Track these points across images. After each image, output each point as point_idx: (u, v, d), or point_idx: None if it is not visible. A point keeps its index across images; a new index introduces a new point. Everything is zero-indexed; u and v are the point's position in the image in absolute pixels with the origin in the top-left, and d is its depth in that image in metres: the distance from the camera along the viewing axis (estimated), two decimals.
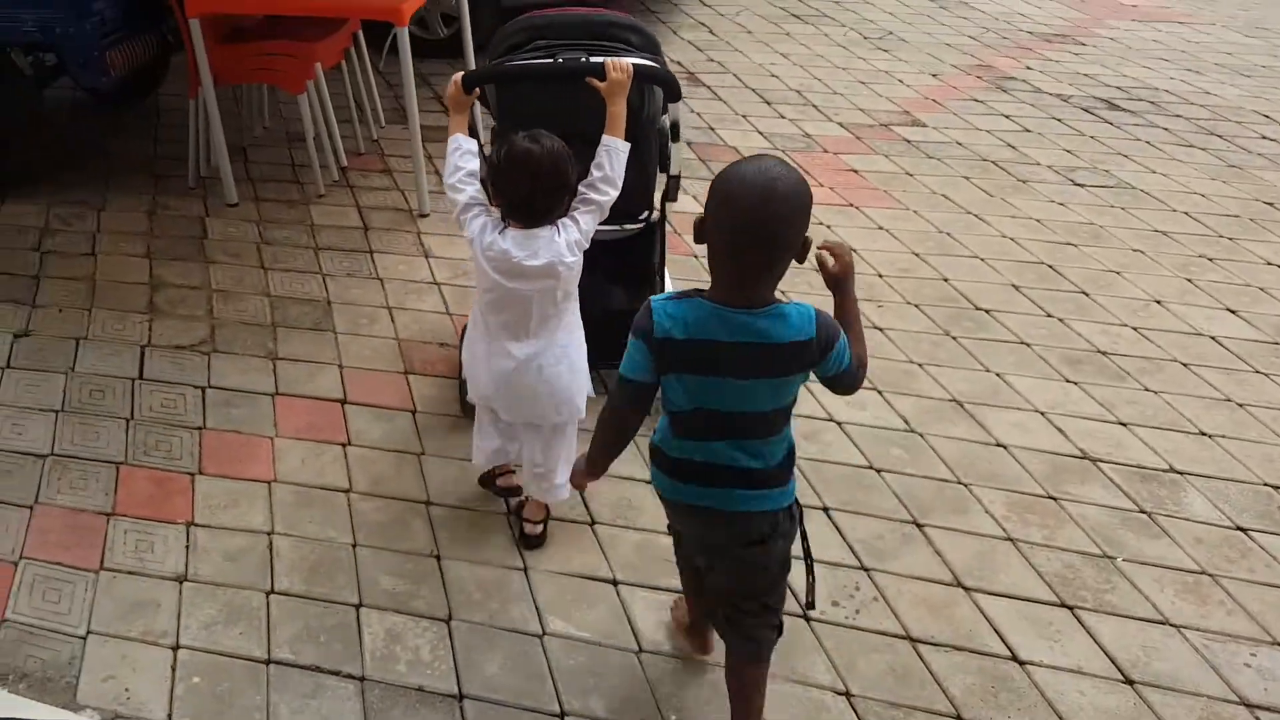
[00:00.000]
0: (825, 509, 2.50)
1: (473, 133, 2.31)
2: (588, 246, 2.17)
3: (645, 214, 2.80)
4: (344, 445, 2.77)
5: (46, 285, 3.57)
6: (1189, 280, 3.49)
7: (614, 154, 2.18)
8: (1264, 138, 4.53)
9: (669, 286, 2.92)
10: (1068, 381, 2.99)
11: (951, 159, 4.37)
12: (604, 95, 2.22)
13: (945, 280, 3.51)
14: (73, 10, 3.54)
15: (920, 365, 3.07)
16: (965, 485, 2.57)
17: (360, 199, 4.12)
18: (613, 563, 2.37)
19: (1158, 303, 3.37)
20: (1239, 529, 2.44)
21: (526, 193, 2.09)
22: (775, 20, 6.02)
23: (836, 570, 2.33)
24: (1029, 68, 5.30)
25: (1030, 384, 2.98)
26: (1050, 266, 3.59)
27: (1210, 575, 2.31)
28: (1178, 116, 4.73)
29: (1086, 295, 3.43)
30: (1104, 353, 3.13)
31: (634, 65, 2.26)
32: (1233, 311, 3.32)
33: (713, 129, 4.68)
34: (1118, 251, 3.68)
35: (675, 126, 2.66)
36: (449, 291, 3.48)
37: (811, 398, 2.88)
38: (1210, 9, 6.10)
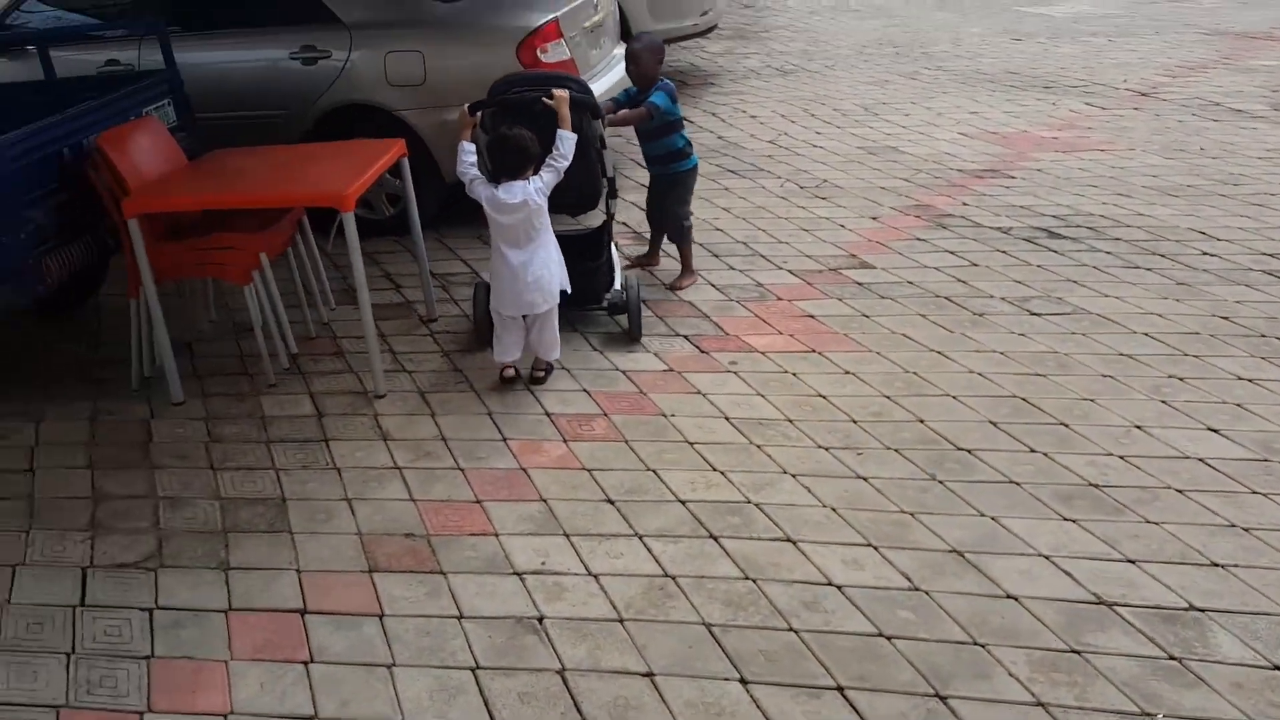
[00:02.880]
0: (839, 688, 2.32)
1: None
2: (547, 194, 3.65)
3: (600, 220, 4.36)
4: (306, 663, 2.54)
5: None
6: (1164, 403, 3.46)
7: (563, 139, 3.70)
8: (1205, 254, 4.62)
9: (617, 260, 4.38)
10: (1065, 520, 2.89)
11: (905, 298, 4.38)
12: (555, 108, 3.74)
13: (921, 421, 3.44)
14: (4, 220, 3.43)
15: (911, 514, 2.95)
16: (983, 646, 2.41)
17: (313, 385, 3.99)
18: None
19: (1138, 428, 3.32)
20: (1277, 668, 2.30)
21: (505, 157, 3.63)
22: (712, 176, 6.13)
23: None
24: (965, 204, 5.42)
25: (1027, 526, 2.86)
26: (1023, 399, 3.54)
27: None
28: (1117, 240, 4.82)
29: (1066, 426, 3.36)
30: (1096, 485, 3.04)
31: (570, 94, 3.79)
32: (1215, 431, 3.28)
33: (665, 285, 4.66)
34: (1087, 379, 3.65)
35: (602, 138, 4.06)
36: (412, 476, 3.32)
37: (807, 561, 2.74)
38: (1126, 137, 6.36)
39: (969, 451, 3.25)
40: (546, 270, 3.71)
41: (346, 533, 3.05)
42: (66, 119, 3.80)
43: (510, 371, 3.86)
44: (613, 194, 4.24)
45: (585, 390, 3.76)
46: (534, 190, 3.62)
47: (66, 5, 5.79)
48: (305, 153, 4.37)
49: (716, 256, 4.96)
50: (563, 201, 4.04)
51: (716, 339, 4.12)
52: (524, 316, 3.77)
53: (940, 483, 3.09)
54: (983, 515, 2.93)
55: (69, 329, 4.68)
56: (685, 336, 4.15)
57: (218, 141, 4.60)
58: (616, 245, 4.48)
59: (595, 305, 4.20)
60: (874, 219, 5.30)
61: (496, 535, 2.97)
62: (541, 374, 3.85)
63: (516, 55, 5.00)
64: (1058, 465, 3.15)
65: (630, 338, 4.11)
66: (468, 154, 3.72)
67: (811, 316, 4.27)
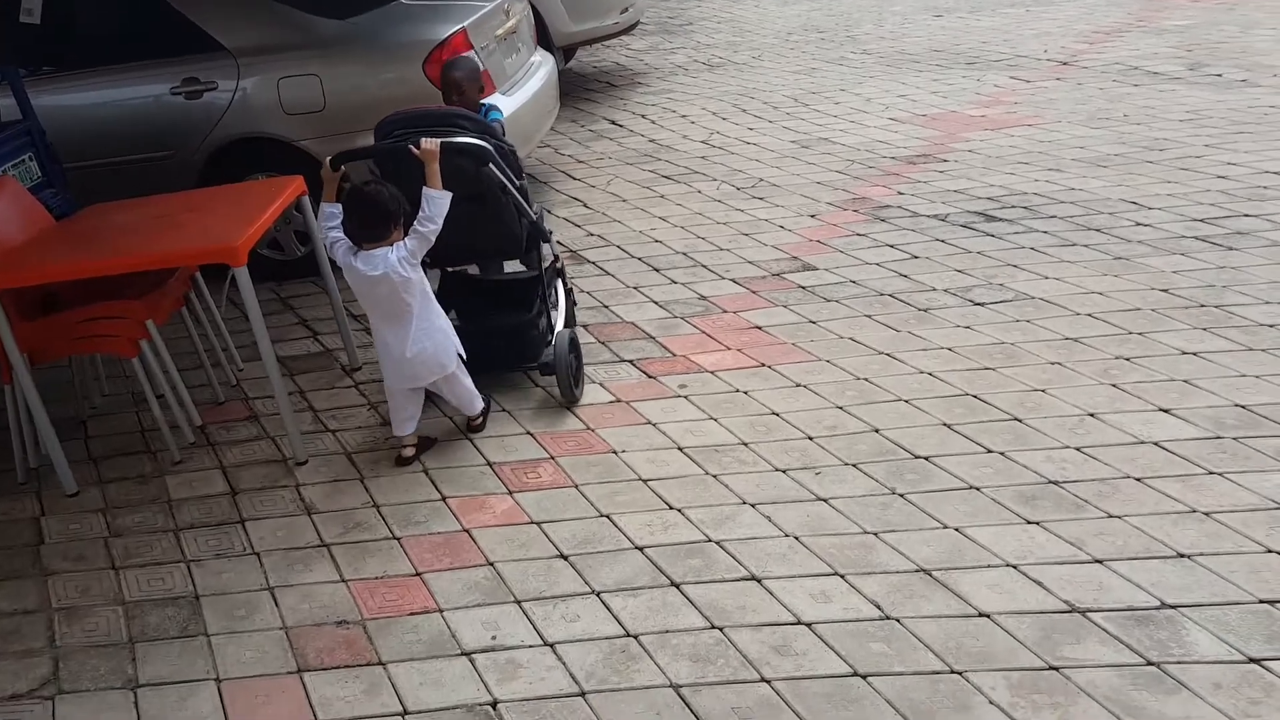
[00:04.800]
0: None
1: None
2: (416, 263, 3.22)
3: (540, 265, 3.88)
4: None
5: None
6: (1114, 386, 3.44)
7: (429, 200, 3.19)
8: (1138, 224, 4.63)
9: (559, 313, 3.95)
10: (1029, 523, 2.85)
11: (849, 299, 4.33)
12: (423, 161, 3.21)
13: (876, 431, 3.39)
14: None
15: (875, 535, 2.89)
16: (960, 674, 2.35)
17: (225, 457, 3.70)
18: None
19: (1091, 415, 3.30)
20: (1252, 661, 2.28)
21: (360, 218, 3.18)
22: (647, 184, 6.04)
23: None
24: (900, 193, 5.40)
25: (992, 535, 2.82)
26: (975, 396, 3.51)
27: None
28: (1053, 218, 4.82)
29: (1019, 421, 3.33)
30: (1055, 482, 3.00)
31: (443, 141, 3.26)
32: (1166, 411, 3.26)
33: (606, 306, 4.56)
34: (1036, 368, 3.62)
35: (507, 181, 3.53)
36: (342, 553, 3.08)
37: (774, 600, 2.67)
38: (1052, 109, 6.38)
39: (926, 459, 3.20)
40: (429, 341, 3.34)
41: (270, 628, 2.79)
42: None
43: (409, 450, 3.48)
44: (541, 238, 3.82)
45: (528, 432, 3.61)
46: (396, 261, 3.17)
47: None
48: (191, 201, 4.02)
49: (657, 270, 4.87)
50: (475, 253, 3.84)
51: (663, 361, 4.03)
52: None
53: (901, 496, 3.04)
54: (946, 527, 2.88)
55: None
56: (631, 361, 4.06)
57: (97, 193, 4.26)
58: (570, 293, 4.13)
59: (527, 365, 3.84)
60: (813, 216, 5.25)
61: (440, 611, 2.77)
62: (479, 422, 3.64)
63: (423, 71, 4.75)
64: (1015, 464, 3.11)
65: (562, 403, 3.72)
66: (328, 216, 3.27)
67: (758, 328, 4.20)
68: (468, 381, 3.52)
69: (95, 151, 4.76)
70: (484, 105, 4.00)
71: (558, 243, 4.40)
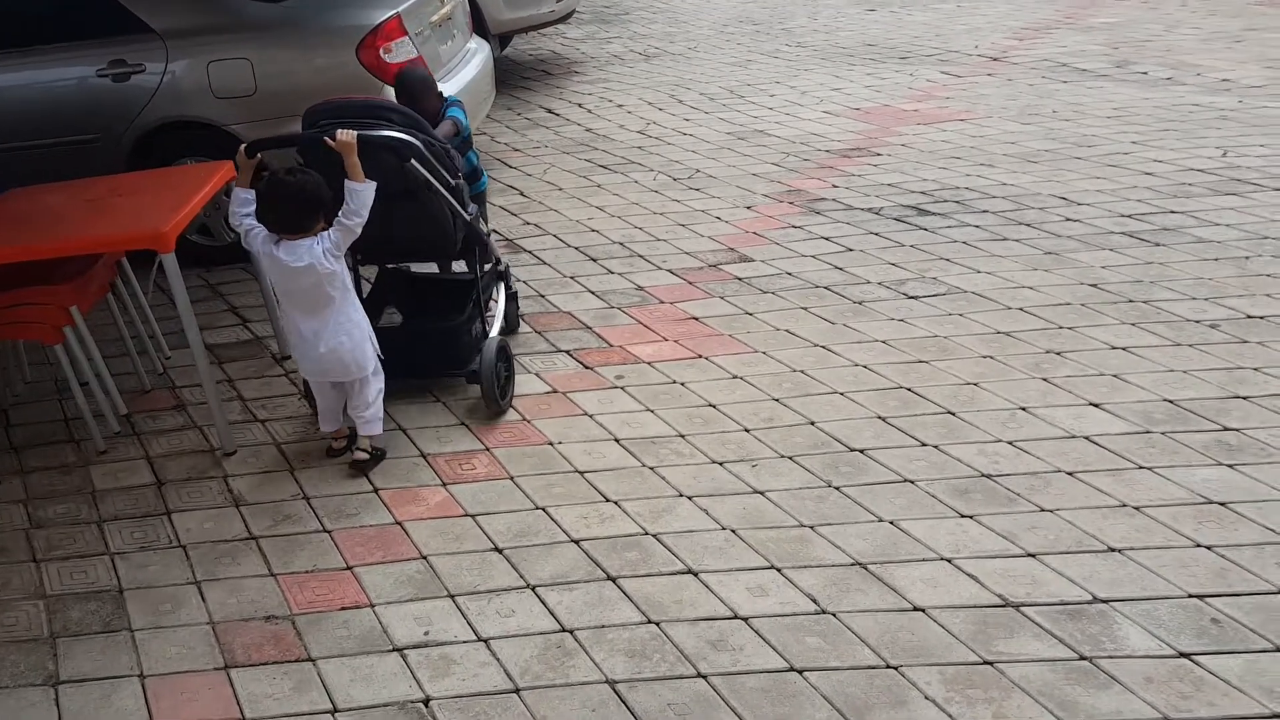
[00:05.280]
0: None
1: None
2: (340, 255, 3.08)
3: (476, 268, 3.72)
4: None
5: None
6: (1045, 380, 3.48)
7: (351, 193, 3.03)
8: (1067, 219, 4.70)
9: (495, 320, 3.80)
10: (963, 517, 2.86)
11: (785, 291, 4.32)
12: (340, 153, 3.02)
13: (812, 424, 3.37)
14: None
15: (811, 528, 2.88)
16: (895, 669, 2.34)
17: (150, 447, 3.58)
18: None
19: (1023, 409, 3.33)
20: (1182, 655, 2.31)
21: (279, 208, 3.03)
22: (583, 173, 5.97)
23: None
24: (835, 185, 5.41)
25: (926, 528, 2.82)
26: (909, 390, 3.52)
27: None
28: (985, 212, 4.87)
29: (953, 415, 3.35)
30: (988, 476, 3.02)
31: (363, 135, 3.07)
32: (1096, 405, 3.31)
33: (543, 296, 4.49)
34: (969, 362, 3.65)
35: (435, 179, 3.33)
36: (270, 546, 2.99)
37: (711, 594, 2.63)
38: (984, 104, 6.46)
39: (861, 452, 3.19)
40: (347, 337, 3.16)
41: (197, 623, 2.70)
42: None
43: (340, 442, 3.39)
44: (477, 241, 3.64)
45: (463, 423, 3.53)
46: (322, 252, 3.03)
47: None
48: (118, 185, 3.92)
49: (594, 260, 4.81)
50: (406, 251, 3.72)
51: (600, 351, 3.98)
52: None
53: (837, 489, 3.03)
54: (881, 521, 2.87)
55: None
56: (567, 352, 3.99)
57: (21, 177, 4.13)
58: (513, 298, 4.03)
59: (454, 370, 3.62)
60: (749, 208, 5.24)
61: (372, 606, 2.70)
62: (364, 455, 3.29)
63: (357, 56, 4.68)
64: (949, 458, 3.13)
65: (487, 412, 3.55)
66: (241, 202, 3.11)
67: (695, 319, 4.17)
68: (376, 396, 3.28)
69: (19, 134, 4.63)
70: (447, 100, 3.93)
71: (495, 234, 4.27)
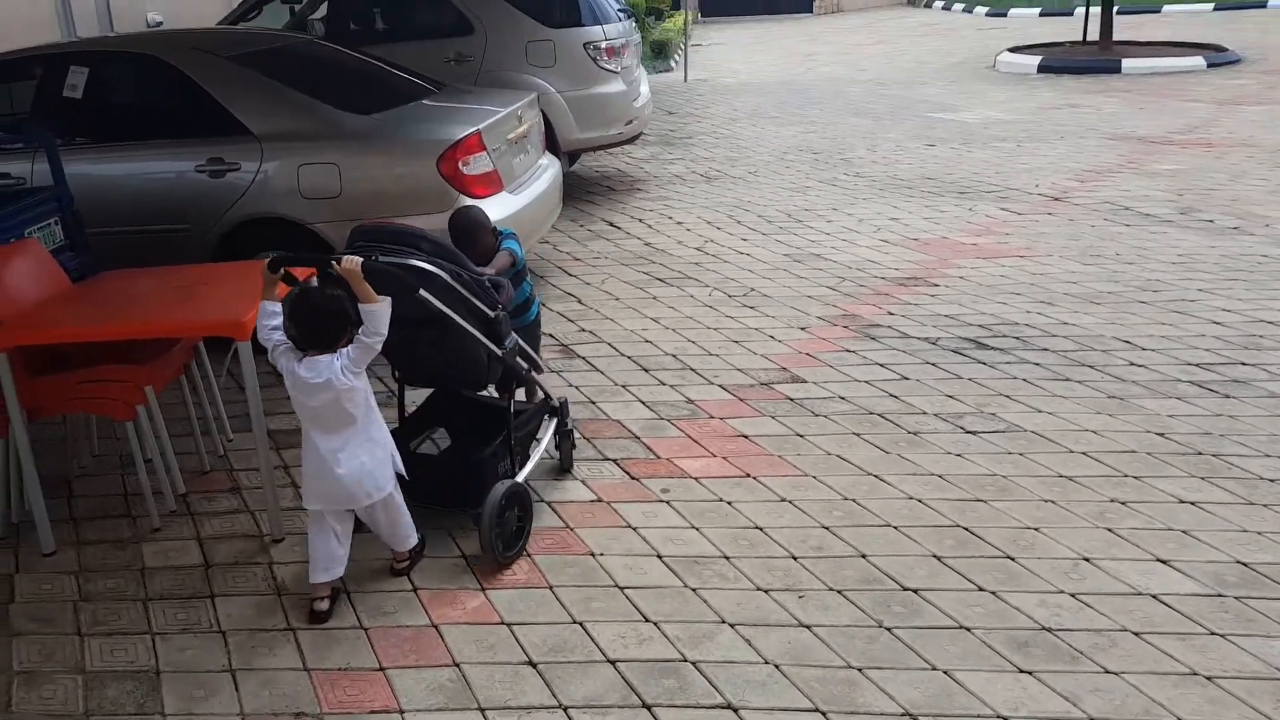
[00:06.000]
0: None
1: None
2: (359, 370, 2.97)
3: (508, 401, 3.49)
4: None
5: None
6: (1110, 530, 3.33)
7: (365, 314, 2.94)
8: (1133, 364, 4.59)
9: (528, 463, 3.55)
10: (1021, 672, 2.70)
11: (838, 415, 4.24)
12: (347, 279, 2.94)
13: (863, 557, 3.25)
14: None
15: (860, 670, 2.73)
16: None
17: (203, 528, 3.63)
18: None
19: (1086, 560, 3.18)
20: None
21: (305, 324, 2.96)
22: (640, 285, 6.01)
23: None
24: (891, 313, 5.36)
25: (983, 681, 2.66)
26: (966, 529, 3.39)
27: None
28: (1045, 350, 4.78)
29: (1012, 560, 3.21)
30: (1049, 629, 2.87)
31: (372, 262, 2.97)
32: (1164, 562, 3.15)
33: (593, 402, 4.46)
34: (1029, 505, 3.51)
35: (462, 305, 3.19)
36: (308, 639, 2.96)
37: None
38: (1043, 242, 6.43)
39: (915, 592, 3.06)
40: (369, 457, 3.03)
41: (227, 714, 2.67)
42: None
43: (323, 603, 3.05)
44: (514, 375, 3.44)
45: None
46: (340, 368, 2.94)
47: None
48: (202, 274, 4.08)
49: (646, 370, 4.79)
50: (436, 377, 3.57)
51: (647, 463, 3.90)
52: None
53: (888, 630, 2.89)
54: (935, 669, 2.72)
55: None
56: (615, 461, 3.93)
57: (116, 257, 4.35)
58: (568, 436, 3.80)
59: (460, 506, 3.37)
60: (803, 329, 5.20)
61: (401, 712, 2.63)
62: (404, 564, 3.25)
63: (437, 167, 4.87)
64: (1008, 606, 2.98)
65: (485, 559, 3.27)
66: (268, 315, 3.02)
67: (745, 436, 4.09)
68: (404, 510, 3.17)
69: (118, 220, 4.83)
70: (502, 233, 3.81)
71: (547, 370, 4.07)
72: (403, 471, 3.16)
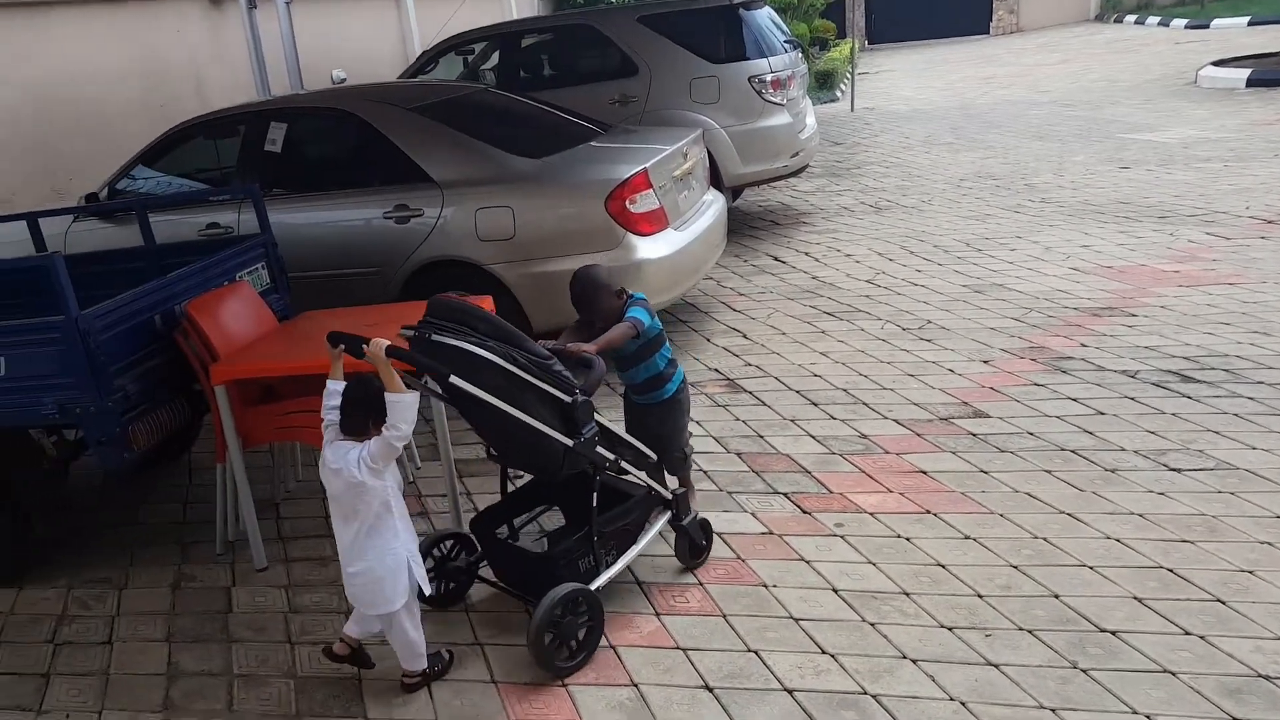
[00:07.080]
0: None
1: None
2: (378, 469, 2.74)
3: (591, 494, 3.07)
4: None
5: (56, 684, 3.25)
6: None
7: (390, 405, 2.71)
8: None
9: (616, 564, 3.16)
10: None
11: (1026, 452, 4.04)
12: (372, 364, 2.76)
13: (1056, 597, 3.08)
14: (93, 389, 3.41)
15: (1054, 711, 2.58)
16: None
17: None
18: None
19: None
20: None
21: (342, 409, 2.81)
22: (808, 319, 5.94)
23: None
24: (1084, 345, 5.09)
25: None
26: (1170, 570, 3.16)
27: None
28: (1260, 384, 4.42)
29: (1222, 603, 2.96)
30: (1266, 677, 2.63)
31: (399, 350, 2.77)
32: None
33: (761, 436, 4.43)
34: (1243, 546, 3.24)
35: (536, 394, 2.91)
36: (495, 654, 3.09)
37: None
38: (1255, 268, 5.96)
39: (1113, 634, 2.87)
40: (379, 564, 2.78)
41: (421, 719, 2.83)
42: (158, 286, 3.84)
43: (340, 647, 3.00)
44: (591, 464, 3.03)
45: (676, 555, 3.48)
46: (355, 460, 2.72)
47: (174, 170, 6.03)
48: (395, 313, 4.31)
49: (815, 405, 4.72)
50: (507, 457, 3.28)
51: (819, 497, 3.84)
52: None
53: (1084, 672, 2.72)
54: (1136, 713, 2.54)
55: (161, 489, 4.68)
56: (784, 494, 3.89)
57: (311, 298, 4.66)
58: (681, 533, 3.38)
59: (527, 596, 3.08)
60: (985, 362, 5.01)
61: None
62: (414, 681, 2.96)
63: (605, 207, 5.00)
64: (1218, 651, 2.75)
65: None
66: (329, 394, 2.86)
67: (923, 472, 3.96)
68: (413, 631, 2.89)
69: (316, 264, 5.18)
70: (631, 297, 3.41)
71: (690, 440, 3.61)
72: (426, 588, 2.88)
